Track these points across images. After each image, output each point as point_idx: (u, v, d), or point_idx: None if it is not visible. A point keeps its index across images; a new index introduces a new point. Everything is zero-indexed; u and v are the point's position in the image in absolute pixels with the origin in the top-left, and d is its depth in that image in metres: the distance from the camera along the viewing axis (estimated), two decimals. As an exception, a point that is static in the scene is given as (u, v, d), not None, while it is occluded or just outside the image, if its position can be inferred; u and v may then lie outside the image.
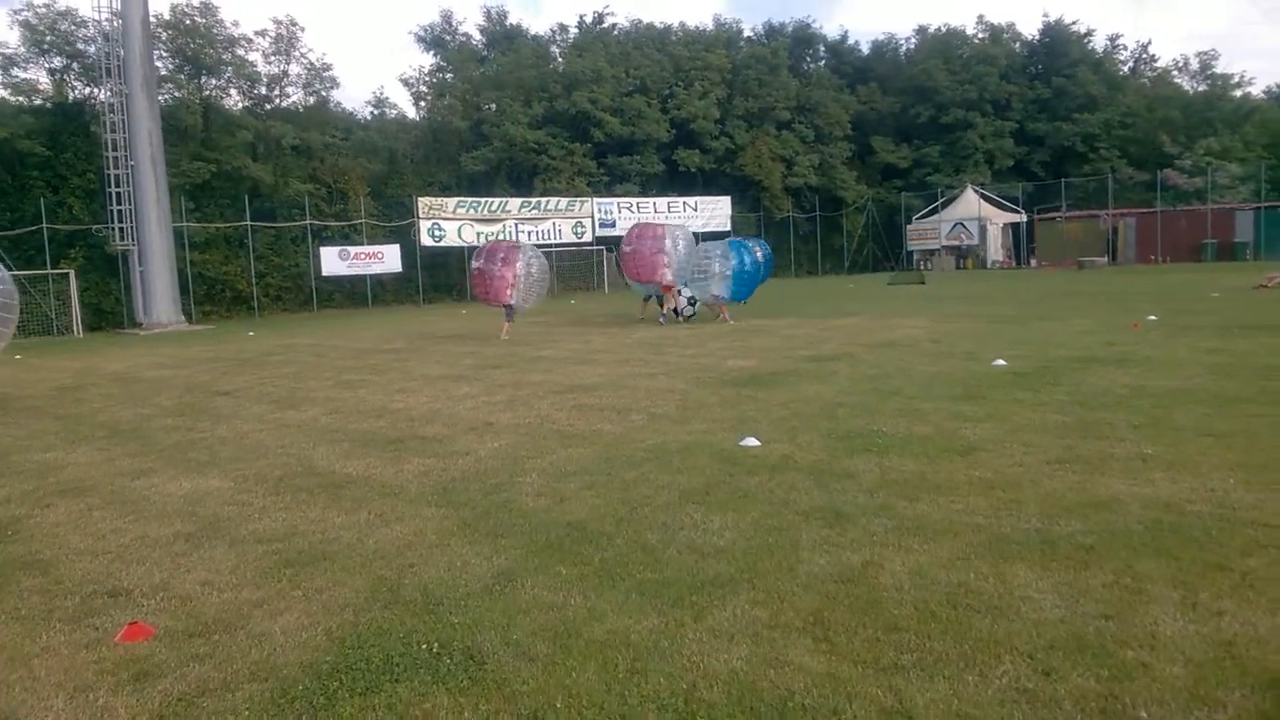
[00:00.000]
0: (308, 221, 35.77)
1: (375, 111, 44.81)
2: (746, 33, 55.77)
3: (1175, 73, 59.20)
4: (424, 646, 3.86)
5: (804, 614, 4.02)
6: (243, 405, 11.04)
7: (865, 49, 61.08)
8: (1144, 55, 61.39)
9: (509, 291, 19.64)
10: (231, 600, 4.53)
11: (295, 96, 39.05)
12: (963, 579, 4.33)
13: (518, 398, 10.53)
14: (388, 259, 36.55)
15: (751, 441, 7.43)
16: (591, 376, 12.06)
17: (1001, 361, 11.38)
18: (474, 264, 20.76)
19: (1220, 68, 57.43)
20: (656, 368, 12.67)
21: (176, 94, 35.27)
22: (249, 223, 34.34)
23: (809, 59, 58.84)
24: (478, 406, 10.04)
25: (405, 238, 37.57)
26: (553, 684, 3.49)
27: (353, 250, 35.96)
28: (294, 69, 38.44)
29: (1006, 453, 6.75)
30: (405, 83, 61.76)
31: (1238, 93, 54.01)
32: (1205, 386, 9.10)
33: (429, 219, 37.44)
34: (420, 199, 37.59)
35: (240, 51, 36.62)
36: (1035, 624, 3.82)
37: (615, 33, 50.26)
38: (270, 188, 35.84)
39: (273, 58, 37.59)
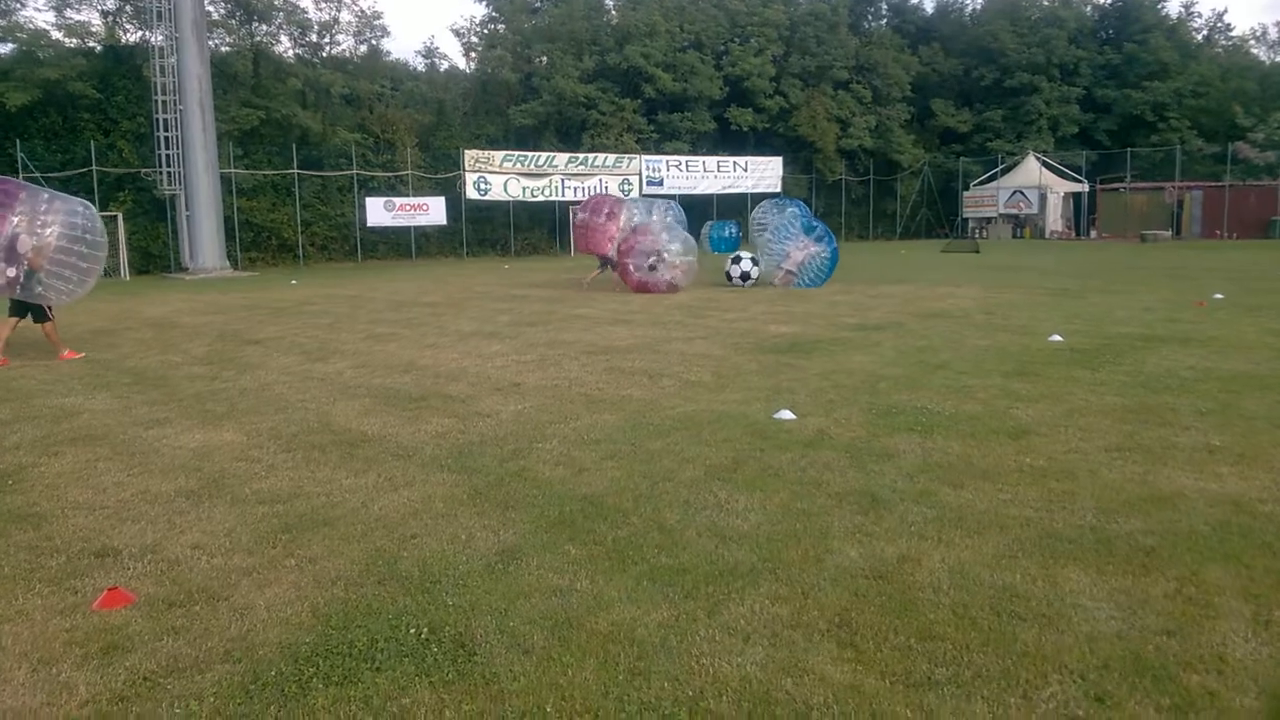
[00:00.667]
0: (354, 171, 35.61)
1: (426, 62, 44.44)
2: (806, -12, 54.23)
3: (1252, 42, 56.75)
4: (413, 631, 3.56)
5: (829, 613, 3.65)
6: (271, 355, 10.86)
7: (929, 8, 59.25)
8: (1219, 24, 58.87)
9: (609, 244, 20.09)
10: (220, 567, 4.27)
11: (345, 44, 38.80)
12: (1008, 581, 3.93)
13: (549, 357, 10.20)
14: (433, 211, 36.32)
15: (786, 414, 7.03)
16: (627, 338, 11.69)
17: (1058, 337, 10.81)
18: (578, 215, 21.71)
19: (1303, 36, 54.78)
20: (695, 331, 12.27)
21: (228, 40, 35.16)
22: (296, 170, 34.27)
23: (870, 17, 57.16)
24: (507, 365, 9.73)
25: (451, 190, 37.29)
26: (545, 683, 3.16)
27: (398, 201, 35.76)
28: (345, 16, 38.14)
29: (1061, 437, 6.28)
30: (456, 33, 61.32)
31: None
32: (1277, 372, 8.50)
33: (475, 172, 37.10)
34: (467, 151, 37.22)
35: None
36: (1088, 638, 3.42)
37: (671, -15, 49.10)
38: (318, 136, 35.71)
39: (323, 4, 37.29)
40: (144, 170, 30.95)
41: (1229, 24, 61.32)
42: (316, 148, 35.69)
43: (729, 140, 46.35)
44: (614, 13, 45.82)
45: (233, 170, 32.59)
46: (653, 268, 18.06)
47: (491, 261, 35.54)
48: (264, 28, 36.01)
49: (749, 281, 19.39)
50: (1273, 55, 54.35)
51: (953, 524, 4.63)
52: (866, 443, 6.23)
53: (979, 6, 57.74)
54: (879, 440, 6.28)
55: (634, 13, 43.50)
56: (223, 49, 34.88)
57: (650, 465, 5.78)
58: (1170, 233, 42.51)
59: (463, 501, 5.16)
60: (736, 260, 19.79)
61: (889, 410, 7.18)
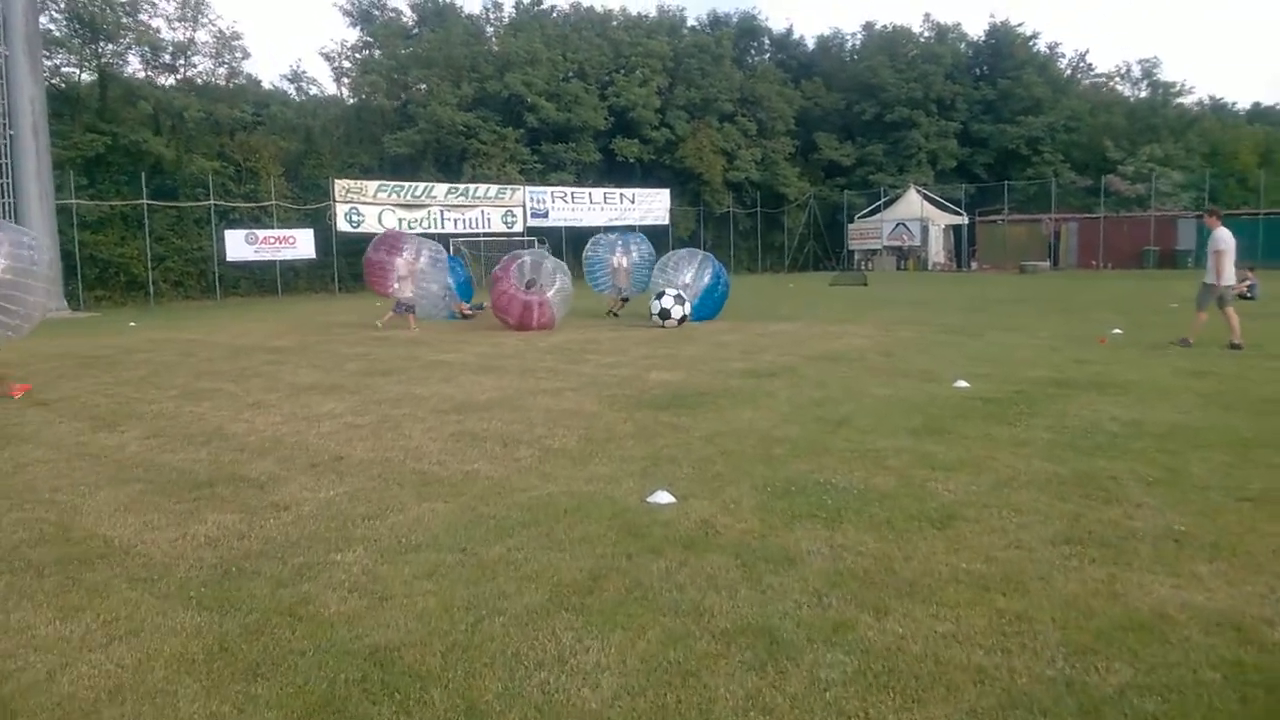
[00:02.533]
0: (212, 201, 33.08)
1: (293, 86, 42.12)
2: (690, 21, 54.22)
3: (1118, 79, 59.17)
4: None
5: None
6: (51, 423, 8.96)
7: (811, 44, 59.99)
8: (1081, 63, 61.21)
9: (394, 282, 18.63)
10: None
11: (202, 67, 36.32)
12: (977, 806, 2.62)
13: (390, 419, 8.64)
14: (300, 244, 34.05)
15: (663, 497, 5.68)
16: (489, 390, 10.21)
17: (964, 383, 9.82)
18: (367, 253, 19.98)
19: (1160, 76, 57.37)
20: (567, 380, 10.87)
21: (70, 59, 32.37)
22: (146, 201, 31.59)
23: (753, 51, 57.58)
24: (336, 430, 8.13)
25: (320, 222, 35.10)
26: None
27: (260, 234, 33.37)
28: (201, 36, 35.72)
29: (995, 523, 5.10)
30: (327, 57, 58.79)
31: (1180, 100, 53.93)
32: (1210, 423, 7.60)
33: (347, 203, 35.02)
34: (338, 181, 35.11)
35: (143, 16, 33.85)
36: None
37: (554, 15, 48.16)
38: (172, 164, 33.14)
39: (177, 24, 34.83)
40: (-32, 200, 27.93)
41: (1090, 64, 63.54)
42: (170, 176, 33.13)
43: (615, 171, 45.45)
44: (494, 40, 44.48)
45: (74, 200, 29.81)
46: (530, 284, 17.47)
47: (365, 298, 33.39)
48: (110, 47, 33.30)
49: (673, 320, 17.19)
50: (1137, 91, 56.65)
51: (881, 686, 3.32)
52: (761, 539, 4.91)
53: (859, 43, 58.73)
54: (776, 535, 4.98)
55: (514, 40, 42.30)
56: (64, 69, 32.10)
57: (479, 588, 4.32)
58: (1048, 263, 43.36)
59: (195, 665, 3.61)
60: (660, 296, 17.52)
61: (787, 487, 5.91)
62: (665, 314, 17.23)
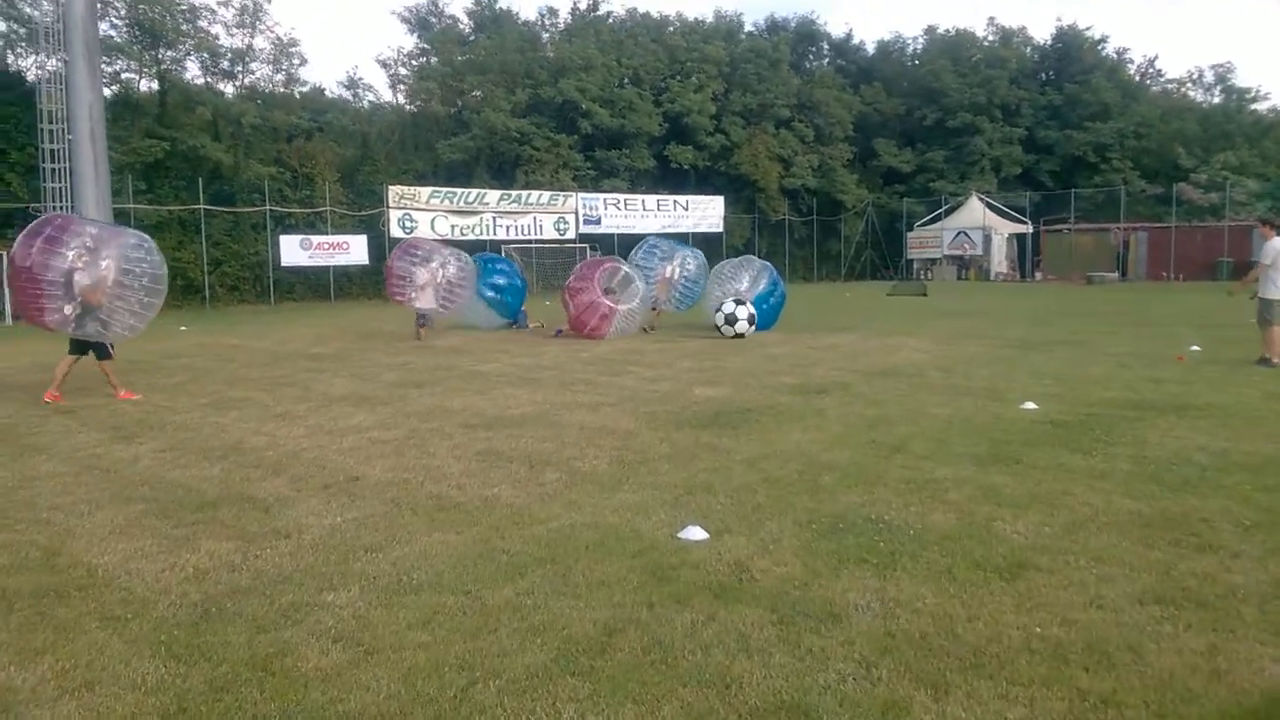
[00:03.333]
0: (268, 207, 33.31)
1: (349, 93, 42.39)
2: (748, 27, 53.55)
3: (1189, 85, 57.12)
4: None
5: None
6: (72, 431, 8.71)
7: (871, 49, 58.89)
8: (1150, 69, 59.15)
9: (410, 293, 17.74)
10: None
11: (260, 73, 36.69)
12: None
13: (417, 434, 8.21)
14: (354, 250, 34.11)
15: (695, 533, 5.14)
16: (524, 405, 9.75)
17: (1031, 404, 9.11)
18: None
19: (1235, 81, 55.21)
20: (605, 394, 10.37)
21: (130, 65, 32.85)
22: (204, 206, 31.90)
23: (812, 56, 56.68)
24: (358, 446, 7.72)
25: (374, 228, 35.15)
26: None
27: (315, 240, 33.50)
28: (259, 43, 36.05)
29: (1073, 574, 4.47)
30: (383, 64, 59.28)
31: (1256, 106, 51.83)
32: (1313, 456, 6.83)
33: (400, 209, 35.03)
34: (391, 187, 35.15)
35: (202, 23, 34.26)
36: None
37: (609, 20, 47.88)
38: (230, 169, 33.42)
39: (236, 30, 35.20)
40: (31, 205, 28.39)
41: (1160, 70, 61.51)
42: (228, 182, 33.41)
43: (669, 178, 44.98)
44: (549, 46, 44.32)
45: (133, 205, 30.15)
46: (609, 292, 17.22)
47: (415, 304, 33.34)
48: (170, 54, 33.75)
49: (742, 323, 16.69)
50: (1209, 97, 54.60)
51: (942, 792, 2.74)
52: (802, 589, 4.34)
53: (920, 47, 57.53)
54: (820, 584, 4.40)
55: (569, 46, 42.07)
56: (124, 75, 32.60)
57: (478, 642, 3.82)
58: (1116, 274, 41.85)
59: (142, 734, 3.16)
60: (739, 303, 16.95)
61: (834, 524, 5.32)
62: (732, 319, 16.59)
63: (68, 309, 10.20)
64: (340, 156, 36.80)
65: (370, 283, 36.39)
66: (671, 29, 48.06)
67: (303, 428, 8.63)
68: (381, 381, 11.78)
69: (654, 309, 19.09)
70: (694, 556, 4.81)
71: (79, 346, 10.65)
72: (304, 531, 5.38)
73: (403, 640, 3.84)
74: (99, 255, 10.36)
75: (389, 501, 5.99)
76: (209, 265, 32.23)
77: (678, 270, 19.37)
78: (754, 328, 16.84)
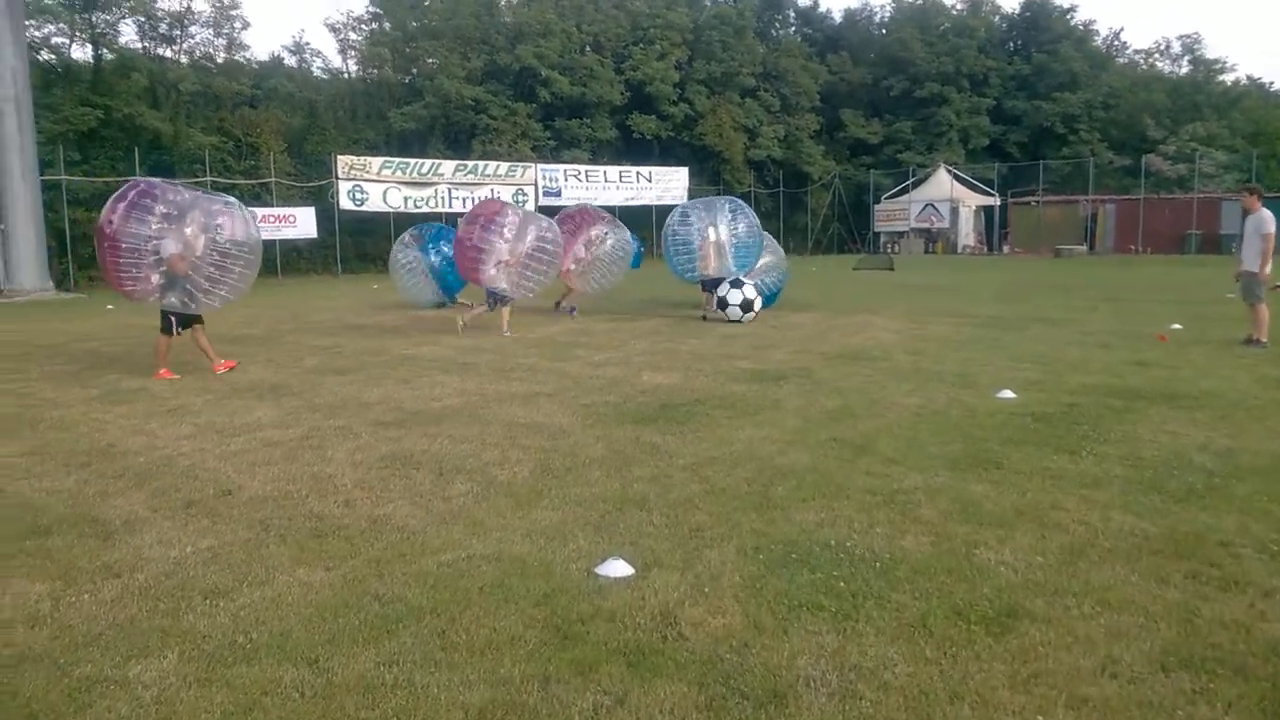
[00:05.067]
0: (209, 178, 31.66)
1: (295, 59, 40.69)
2: (712, -8, 52.14)
3: (1156, 56, 56.65)
4: None
5: None
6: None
7: (838, 17, 57.90)
8: (1116, 42, 58.57)
9: (492, 268, 13.73)
10: None
11: (200, 37, 34.93)
12: None
13: (318, 433, 7.21)
14: (301, 223, 32.61)
15: (618, 568, 4.22)
16: (450, 395, 8.76)
17: (1009, 393, 8.27)
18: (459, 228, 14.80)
19: (1203, 52, 54.72)
20: (545, 382, 9.41)
21: (62, 29, 31.08)
22: (141, 177, 30.26)
23: (778, 24, 55.53)
24: (246, 449, 6.71)
25: (323, 200, 33.71)
26: None
27: (260, 212, 31.93)
28: (199, 6, 34.40)
29: (1075, 625, 3.61)
30: (332, 28, 57.11)
31: (1224, 77, 51.45)
32: (1328, 456, 6.03)
33: (350, 180, 33.58)
34: (341, 158, 33.66)
35: (139, -16, 32.51)
36: None
37: (569, -15, 46.36)
38: (169, 139, 31.85)
39: (175, -8, 33.45)
40: (-50, 176, 26.76)
41: (1125, 42, 60.98)
42: (167, 152, 31.84)
43: (632, 149, 43.77)
44: (506, 11, 42.81)
45: (65, 176, 28.60)
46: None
47: (367, 279, 32.06)
48: (104, 17, 31.97)
49: (749, 314, 14.53)
50: (1177, 69, 54.14)
51: None
52: (740, 653, 3.44)
53: (888, 16, 56.59)
54: (764, 644, 3.50)
55: (527, 10, 40.63)
56: (56, 40, 30.87)
57: (305, 744, 2.88)
58: (1084, 247, 41.36)
59: None
60: (737, 285, 14.58)
61: (786, 553, 4.42)
62: (748, 305, 14.44)
63: (155, 278, 9.84)
64: (286, 125, 35.24)
65: (320, 257, 35.06)
66: (633, -6, 46.67)
67: (191, 425, 7.60)
68: (299, 368, 10.73)
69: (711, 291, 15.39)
70: (611, 603, 3.88)
71: (181, 322, 10.22)
72: (140, 568, 4.39)
73: (204, 745, 2.89)
74: (183, 222, 9.86)
75: (257, 524, 5.01)
76: (148, 239, 30.71)
77: (723, 231, 15.38)
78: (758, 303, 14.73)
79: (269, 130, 34.14)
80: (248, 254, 10.32)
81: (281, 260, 33.41)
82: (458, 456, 6.40)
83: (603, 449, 6.54)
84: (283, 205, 32.97)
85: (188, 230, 9.89)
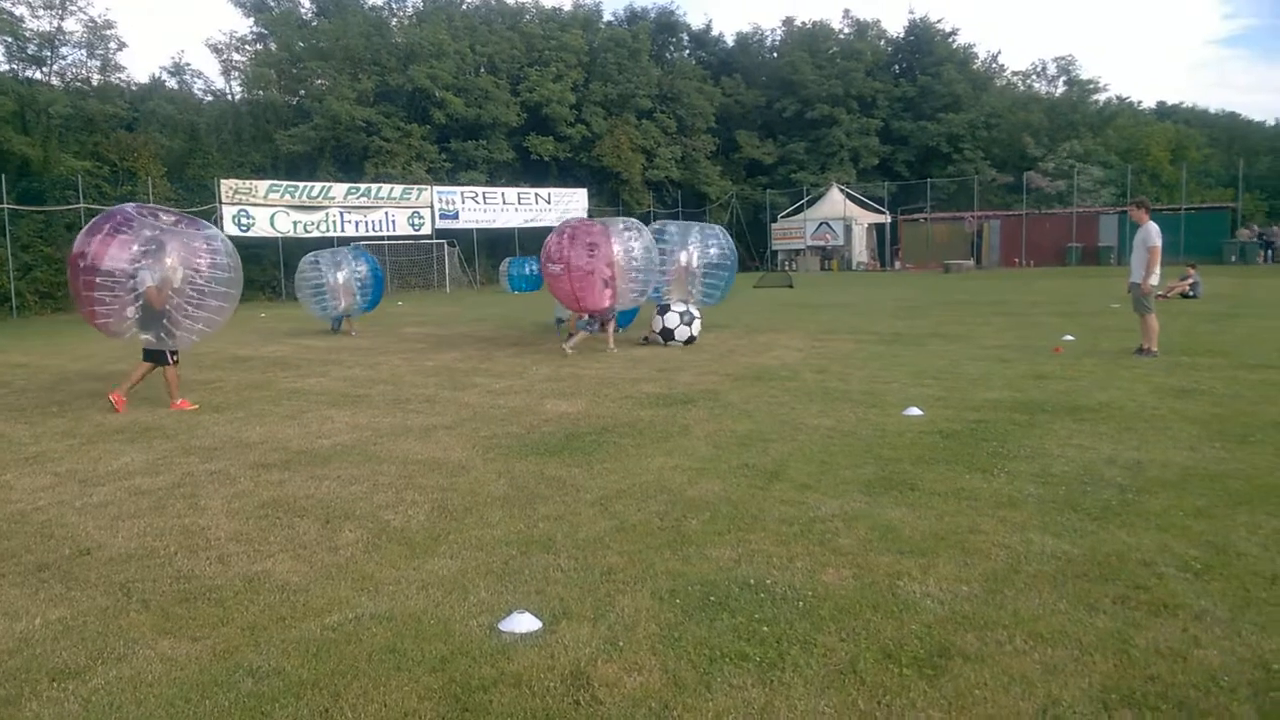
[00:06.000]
0: (83, 205, 30.09)
1: (175, 80, 39.05)
2: (606, 16, 52.40)
3: (1033, 77, 59.14)
4: None
5: None
6: None
7: (730, 40, 58.73)
8: (995, 64, 61.02)
9: (605, 292, 13.25)
10: None
11: (72, 58, 33.18)
12: None
13: (191, 479, 6.63)
14: (184, 251, 31.20)
15: (524, 623, 3.87)
16: (340, 431, 8.25)
17: (915, 410, 8.21)
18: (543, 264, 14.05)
19: (1078, 73, 57.34)
20: (443, 414, 8.97)
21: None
22: (8, 205, 28.54)
23: (672, 47, 56.01)
24: (111, 500, 6.10)
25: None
26: None
27: (138, 240, 30.51)
28: (70, 25, 32.62)
29: (1010, 663, 3.41)
30: (214, 49, 55.32)
31: (1098, 96, 53.98)
32: (1232, 465, 6.08)
33: (235, 204, 32.31)
34: (225, 181, 32.38)
35: (4, 3, 30.71)
36: None
37: (462, 6, 45.86)
38: (39, 164, 30.08)
39: (43, 12, 31.69)
40: None
41: (1003, 64, 63.69)
42: (37, 179, 30.07)
43: (530, 170, 43.42)
44: (397, 31, 42.01)
45: (-78, 205, 26.74)
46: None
47: (253, 307, 30.80)
48: (-36, 36, 30.12)
49: (684, 340, 14.08)
50: (1053, 89, 56.62)
51: None
52: (661, 715, 3.13)
53: (778, 39, 57.67)
54: (685, 704, 3.20)
55: (419, 31, 39.93)
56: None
57: None
58: (972, 262, 42.66)
59: None
60: (663, 311, 14.21)
61: (704, 595, 4.14)
62: (688, 338, 14.10)
63: (130, 312, 9.36)
64: (166, 149, 33.74)
65: (205, 286, 33.53)
66: (528, 17, 46.43)
67: (51, 475, 6.92)
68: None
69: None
70: (516, 665, 3.53)
71: (153, 354, 9.79)
72: (-28, 650, 3.83)
73: None
74: (163, 253, 9.39)
75: (117, 589, 4.48)
76: (17, 271, 28.92)
77: (695, 257, 15.52)
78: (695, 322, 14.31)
79: (147, 154, 32.62)
80: (227, 288, 9.85)
81: (163, 290, 31.88)
82: (347, 500, 5.94)
83: (505, 485, 6.17)
84: (163, 232, 31.45)
85: (167, 261, 9.42)
